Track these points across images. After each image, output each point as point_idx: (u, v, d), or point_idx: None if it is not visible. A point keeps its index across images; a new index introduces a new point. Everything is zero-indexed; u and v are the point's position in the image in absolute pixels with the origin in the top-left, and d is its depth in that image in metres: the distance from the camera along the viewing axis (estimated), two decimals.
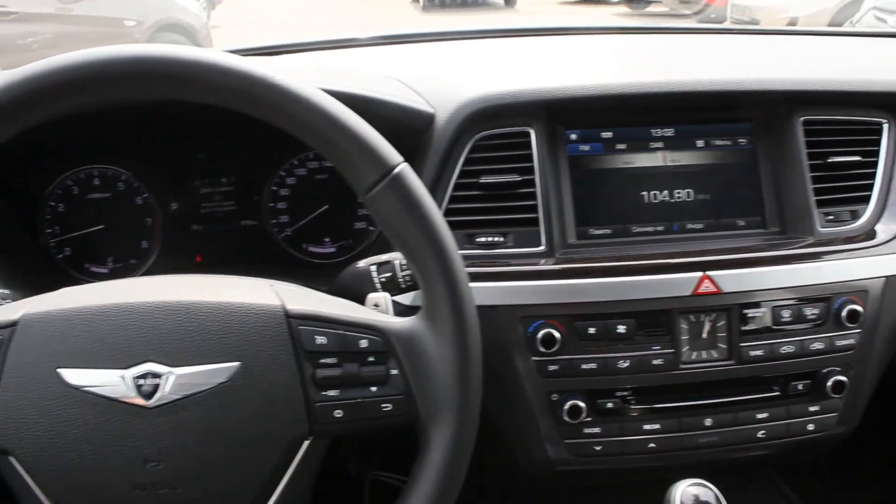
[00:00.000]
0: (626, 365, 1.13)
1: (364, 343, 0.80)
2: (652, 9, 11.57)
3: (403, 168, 0.80)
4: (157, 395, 0.75)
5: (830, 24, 7.28)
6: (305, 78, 0.85)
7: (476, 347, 0.82)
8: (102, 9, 6.56)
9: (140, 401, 0.74)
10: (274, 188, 1.28)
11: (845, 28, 6.50)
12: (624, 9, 11.74)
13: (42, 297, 0.81)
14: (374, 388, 0.80)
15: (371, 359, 0.80)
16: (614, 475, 1.23)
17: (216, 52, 0.77)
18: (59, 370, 0.74)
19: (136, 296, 0.78)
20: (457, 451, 0.81)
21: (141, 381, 0.75)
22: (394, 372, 0.81)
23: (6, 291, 0.95)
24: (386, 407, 0.80)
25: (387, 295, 0.94)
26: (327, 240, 1.29)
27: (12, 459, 0.75)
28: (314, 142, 0.79)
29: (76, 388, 0.74)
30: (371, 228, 1.30)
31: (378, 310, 0.91)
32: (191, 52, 0.76)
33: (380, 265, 0.98)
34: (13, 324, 0.76)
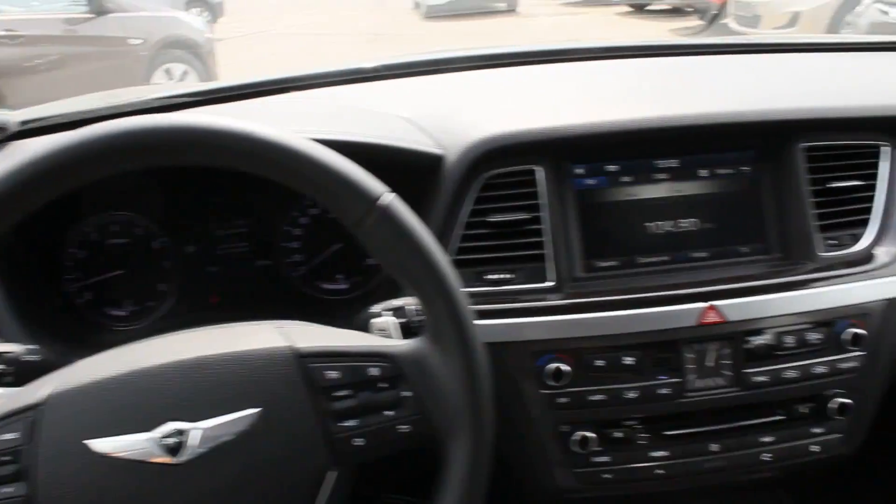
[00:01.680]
0: (633, 395, 1.16)
1: (374, 371, 0.84)
2: (653, 6, 11.53)
3: (389, 197, 0.83)
4: (184, 451, 0.78)
5: (833, 19, 7.25)
6: (304, 127, 0.88)
7: (482, 360, 0.86)
8: (107, 29, 6.62)
9: (168, 459, 0.78)
10: (287, 228, 1.31)
11: (845, 34, 6.49)
12: (626, 8, 11.71)
13: (62, 372, 0.84)
14: (390, 413, 0.84)
15: (383, 385, 0.84)
16: (622, 501, 1.26)
17: (196, 115, 0.82)
18: (86, 442, 0.77)
19: (150, 359, 0.82)
20: (476, 462, 0.85)
21: (166, 440, 0.78)
22: (406, 394, 0.85)
23: (34, 347, 0.98)
24: (403, 429, 0.84)
25: (393, 319, 0.97)
26: (340, 277, 1.32)
27: None
28: (302, 186, 0.83)
29: (106, 456, 0.77)
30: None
31: (383, 334, 0.95)
32: (163, 119, 0.80)
33: (394, 311, 1.01)
34: (42, 403, 0.79)
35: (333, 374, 0.83)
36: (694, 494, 1.13)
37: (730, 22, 8.45)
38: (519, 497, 1.30)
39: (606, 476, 1.19)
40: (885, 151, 1.32)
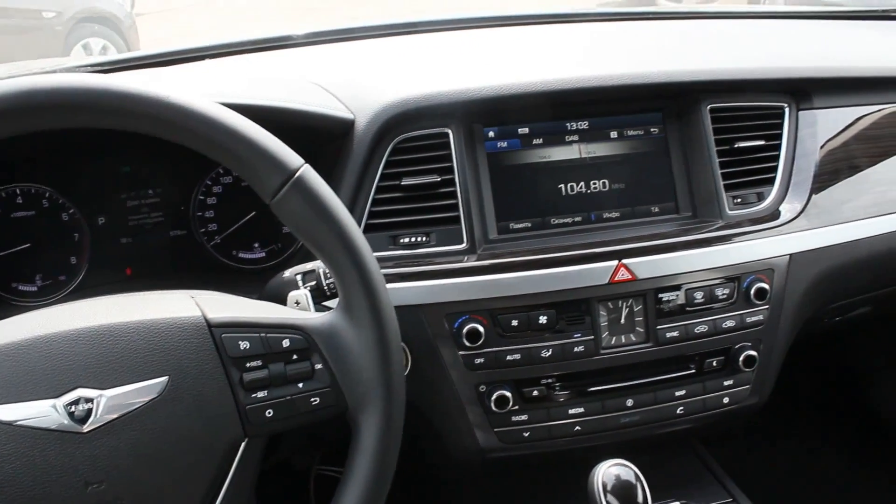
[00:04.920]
0: (548, 354, 1.18)
1: (286, 342, 0.84)
2: None
3: (305, 169, 0.84)
4: (91, 418, 0.77)
5: None
6: (214, 91, 0.86)
7: (394, 333, 0.87)
8: (16, 0, 6.38)
9: (75, 427, 0.77)
10: (201, 197, 1.29)
11: (764, 6, 6.67)
12: None
13: None
14: (301, 385, 0.85)
15: (295, 356, 0.85)
16: (544, 459, 1.28)
17: (106, 78, 0.80)
18: None
19: (57, 324, 0.80)
20: (387, 435, 0.86)
21: (73, 408, 0.77)
22: (318, 366, 0.85)
23: None
24: (314, 401, 0.85)
25: (307, 292, 0.97)
26: (256, 245, 1.31)
27: None
28: (216, 154, 0.83)
29: (9, 424, 0.75)
30: None
31: (299, 307, 0.95)
32: (79, 79, 0.78)
33: (304, 274, 1.01)
34: None
35: (245, 345, 0.83)
36: (613, 450, 1.16)
37: (645, 9, 8.57)
38: (445, 459, 1.32)
39: (526, 434, 1.21)
40: (788, 112, 1.36)
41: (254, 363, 0.83)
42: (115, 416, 0.78)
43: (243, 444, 0.83)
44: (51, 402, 0.76)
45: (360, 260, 0.85)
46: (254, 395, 0.83)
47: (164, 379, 0.80)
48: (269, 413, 0.83)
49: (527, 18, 1.82)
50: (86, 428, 0.77)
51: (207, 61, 1.54)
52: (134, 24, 7.35)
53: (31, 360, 0.77)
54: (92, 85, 0.78)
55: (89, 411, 0.77)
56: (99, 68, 1.45)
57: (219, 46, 1.60)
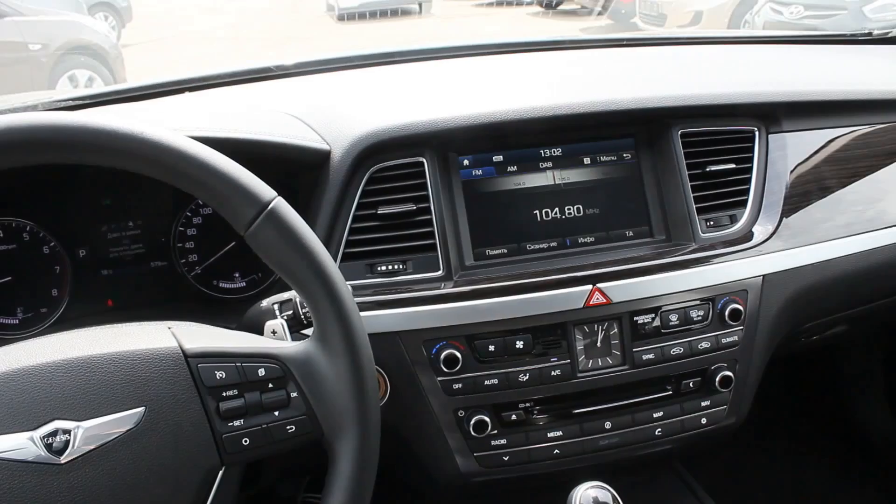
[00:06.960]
0: (526, 378, 1.19)
1: (262, 371, 0.86)
2: (564, 6, 11.71)
3: (277, 201, 0.86)
4: (69, 450, 0.78)
5: (732, 18, 7.52)
6: (191, 125, 0.88)
7: (368, 360, 0.88)
8: (4, 33, 6.39)
9: (52, 458, 0.77)
10: (181, 228, 1.30)
11: (741, 30, 6.75)
12: (536, 8, 11.86)
13: None
14: (276, 413, 0.86)
15: (271, 385, 0.86)
16: (524, 482, 1.29)
17: (79, 114, 0.81)
18: None
19: (34, 357, 0.81)
20: (363, 461, 0.87)
21: (50, 440, 0.78)
22: (294, 394, 0.87)
23: None
24: (290, 428, 0.86)
25: (283, 321, 0.98)
26: (237, 275, 1.32)
27: None
28: (190, 188, 0.85)
29: None
30: None
31: (276, 336, 0.97)
32: (53, 117, 0.80)
33: (281, 304, 1.02)
34: None
35: (221, 374, 0.84)
36: (594, 472, 1.17)
37: (637, 20, 8.67)
38: (425, 485, 1.32)
39: (505, 458, 1.22)
40: (758, 136, 1.39)
41: (230, 392, 0.84)
42: (92, 447, 0.79)
43: (220, 473, 0.84)
44: (28, 434, 0.77)
45: (333, 289, 0.86)
46: (230, 424, 0.84)
47: (140, 409, 0.81)
48: (246, 441, 0.85)
49: (507, 47, 1.84)
50: (63, 459, 0.78)
51: (188, 94, 1.56)
52: (120, 54, 7.35)
53: (8, 393, 0.78)
54: (65, 123, 0.79)
55: (67, 443, 0.78)
56: (79, 102, 1.46)
57: (200, 79, 1.61)
